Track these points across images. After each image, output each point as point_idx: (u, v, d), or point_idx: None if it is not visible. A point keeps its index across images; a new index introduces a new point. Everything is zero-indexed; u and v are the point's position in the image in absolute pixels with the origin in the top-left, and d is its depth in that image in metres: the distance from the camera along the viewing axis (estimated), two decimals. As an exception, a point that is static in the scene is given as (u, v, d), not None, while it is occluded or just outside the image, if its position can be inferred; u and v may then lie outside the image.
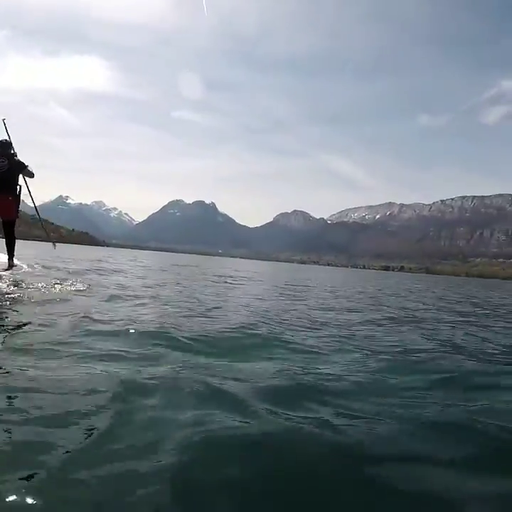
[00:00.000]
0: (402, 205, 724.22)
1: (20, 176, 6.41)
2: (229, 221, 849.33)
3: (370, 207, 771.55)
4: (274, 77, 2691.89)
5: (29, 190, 6.66)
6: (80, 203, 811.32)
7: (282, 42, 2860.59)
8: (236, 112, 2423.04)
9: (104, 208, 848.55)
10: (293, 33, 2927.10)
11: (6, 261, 6.08)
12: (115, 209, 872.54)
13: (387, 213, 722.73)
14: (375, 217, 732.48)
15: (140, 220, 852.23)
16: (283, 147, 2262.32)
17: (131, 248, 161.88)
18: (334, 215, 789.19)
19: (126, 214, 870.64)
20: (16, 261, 6.23)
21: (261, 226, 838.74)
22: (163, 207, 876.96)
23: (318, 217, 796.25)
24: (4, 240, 6.29)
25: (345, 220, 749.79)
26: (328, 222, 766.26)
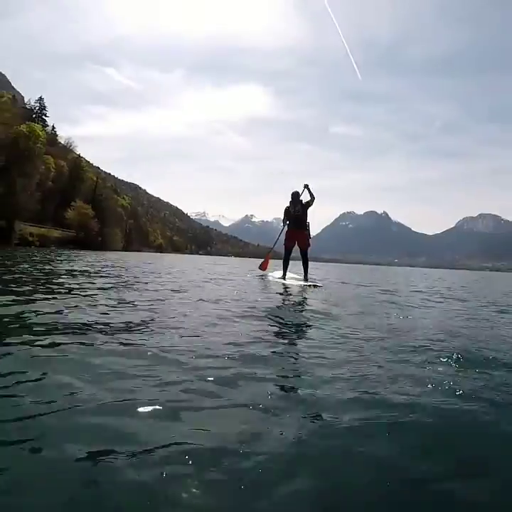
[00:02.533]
0: None
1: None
2: (404, 229, 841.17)
3: None
4: (425, 81, 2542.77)
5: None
6: (263, 221, 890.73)
7: (424, 43, 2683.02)
8: (393, 120, 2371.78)
9: (281, 224, 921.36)
10: (431, 33, 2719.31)
11: (302, 276, 8.06)
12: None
13: None
14: None
15: (314, 234, 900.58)
16: (453, 150, 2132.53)
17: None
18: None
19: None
20: (308, 276, 8.13)
21: (441, 233, 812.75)
22: (335, 219, 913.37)
23: (511, 219, 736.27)
24: (302, 261, 8.28)
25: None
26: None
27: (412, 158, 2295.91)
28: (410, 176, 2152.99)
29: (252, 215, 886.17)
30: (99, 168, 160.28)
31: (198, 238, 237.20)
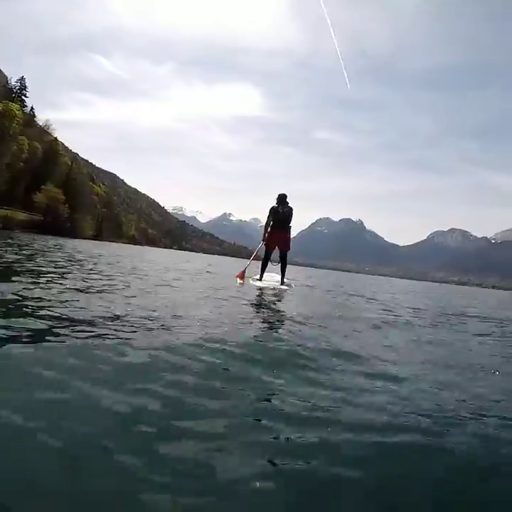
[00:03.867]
0: None
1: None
2: (377, 239, 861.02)
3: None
4: (413, 94, 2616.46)
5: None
6: (241, 220, 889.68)
7: (417, 58, 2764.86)
8: (376, 130, 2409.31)
9: (260, 225, 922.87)
10: (428, 49, 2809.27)
11: (279, 279, 7.98)
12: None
13: None
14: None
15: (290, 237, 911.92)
16: (432, 164, 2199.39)
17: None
18: (499, 233, 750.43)
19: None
20: (285, 280, 8.09)
21: (413, 244, 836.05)
22: (312, 224, 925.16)
23: (480, 236, 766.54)
24: (280, 264, 8.07)
25: (511, 240, 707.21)
26: (492, 241, 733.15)
27: (391, 168, 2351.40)
28: (387, 187, 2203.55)
29: (230, 214, 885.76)
30: (77, 154, 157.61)
31: (173, 232, 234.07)
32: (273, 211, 7.85)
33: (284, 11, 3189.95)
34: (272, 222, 7.83)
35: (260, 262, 8.24)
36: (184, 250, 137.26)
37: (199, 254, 79.97)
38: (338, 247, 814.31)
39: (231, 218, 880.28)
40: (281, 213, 7.84)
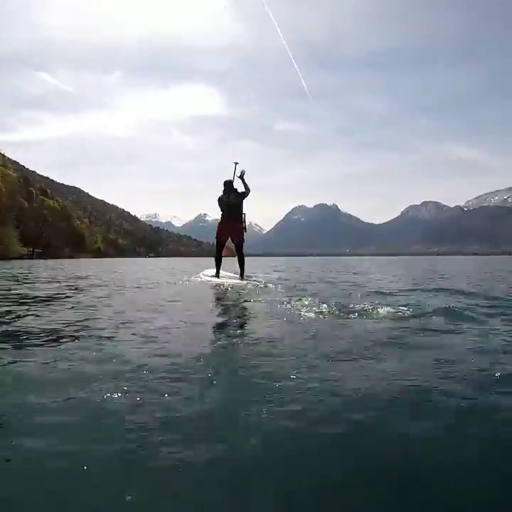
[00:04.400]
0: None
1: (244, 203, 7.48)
2: (353, 220, 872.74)
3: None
4: (360, 77, 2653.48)
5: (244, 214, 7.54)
6: (216, 219, 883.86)
7: (358, 41, 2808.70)
8: (330, 116, 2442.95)
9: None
10: (367, 31, 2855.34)
11: (238, 275, 7.47)
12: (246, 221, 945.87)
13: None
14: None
15: (268, 229, 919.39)
16: (392, 143, 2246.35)
17: (262, 256, 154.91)
18: (470, 201, 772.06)
19: (256, 224, 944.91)
20: (245, 273, 7.53)
21: (388, 221, 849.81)
22: (288, 214, 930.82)
23: (452, 206, 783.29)
24: (237, 257, 7.50)
25: (484, 205, 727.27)
26: (465, 209, 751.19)
27: (353, 151, 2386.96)
28: (353, 169, 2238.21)
29: (205, 214, 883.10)
30: (35, 171, 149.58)
31: (147, 240, 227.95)
32: (220, 201, 7.46)
33: (219, 6, 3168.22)
34: (221, 213, 7.50)
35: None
36: (161, 256, 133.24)
37: (167, 258, 74.86)
38: (315, 233, 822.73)
39: (207, 218, 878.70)
40: (228, 201, 7.39)
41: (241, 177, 7.40)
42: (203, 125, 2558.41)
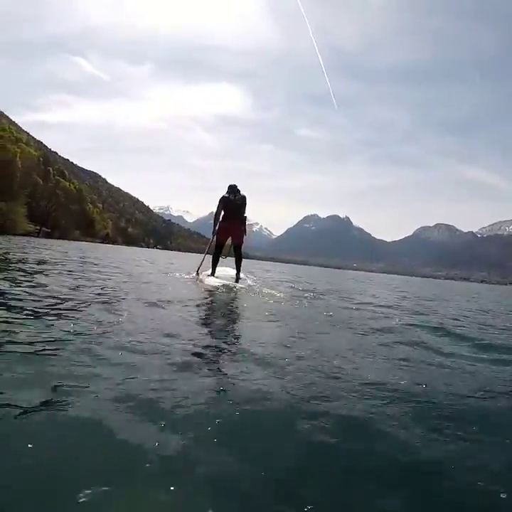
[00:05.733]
0: None
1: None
2: (364, 235, 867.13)
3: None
4: (388, 89, 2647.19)
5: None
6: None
7: (388, 52, 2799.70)
8: (352, 126, 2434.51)
9: (248, 223, 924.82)
10: (398, 43, 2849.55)
11: (234, 275, 7.48)
12: (257, 224, 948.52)
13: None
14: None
15: (278, 234, 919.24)
16: (412, 159, 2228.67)
17: (269, 260, 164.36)
18: (485, 228, 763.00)
19: (266, 228, 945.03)
20: (241, 275, 7.61)
21: (399, 240, 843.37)
22: (299, 221, 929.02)
23: (465, 231, 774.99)
24: (235, 258, 7.56)
25: (498, 233, 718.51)
26: (478, 235, 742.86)
27: (372, 164, 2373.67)
28: (371, 182, 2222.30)
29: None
30: (57, 153, 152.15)
31: (157, 232, 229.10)
32: (224, 200, 7.43)
33: (257, 7, 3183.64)
34: (223, 212, 7.48)
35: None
36: (169, 250, 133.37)
37: (174, 252, 75.10)
38: (325, 243, 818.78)
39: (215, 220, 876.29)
40: (233, 201, 7.40)
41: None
42: (225, 124, 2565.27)
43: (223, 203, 7.42)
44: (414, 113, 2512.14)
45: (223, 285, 6.47)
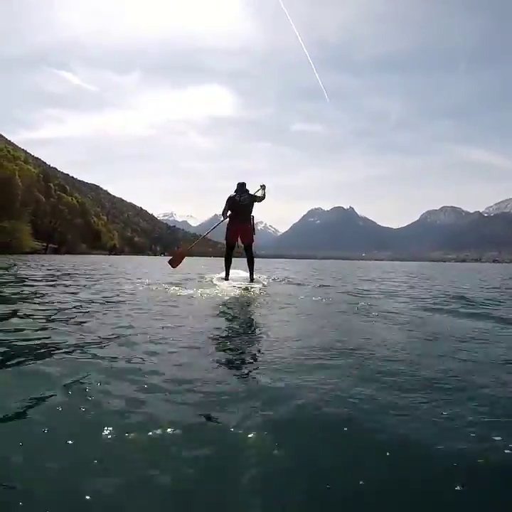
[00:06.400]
0: None
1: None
2: (370, 224, 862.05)
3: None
4: (376, 79, 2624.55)
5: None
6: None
7: (374, 42, 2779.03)
8: (347, 118, 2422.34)
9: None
10: (383, 33, 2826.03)
11: (248, 276, 7.43)
12: (261, 222, 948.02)
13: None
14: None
15: (283, 231, 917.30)
16: (410, 146, 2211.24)
17: (276, 258, 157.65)
18: (491, 207, 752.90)
19: (271, 226, 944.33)
20: (255, 275, 7.50)
21: (406, 226, 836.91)
22: (303, 216, 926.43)
23: (472, 211, 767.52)
24: (246, 259, 7.45)
25: (505, 211, 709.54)
26: (485, 215, 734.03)
27: (370, 154, 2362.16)
28: (370, 172, 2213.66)
29: (221, 215, 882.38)
30: (56, 168, 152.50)
31: (163, 239, 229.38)
32: (230, 201, 7.32)
33: (238, 7, 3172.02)
34: (230, 213, 7.34)
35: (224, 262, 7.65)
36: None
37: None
38: (331, 236, 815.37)
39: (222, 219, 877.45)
40: (240, 201, 7.29)
41: (263, 187, 7.50)
42: (219, 126, 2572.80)
43: (229, 203, 7.35)
44: (406, 101, 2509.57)
45: (241, 287, 6.30)
